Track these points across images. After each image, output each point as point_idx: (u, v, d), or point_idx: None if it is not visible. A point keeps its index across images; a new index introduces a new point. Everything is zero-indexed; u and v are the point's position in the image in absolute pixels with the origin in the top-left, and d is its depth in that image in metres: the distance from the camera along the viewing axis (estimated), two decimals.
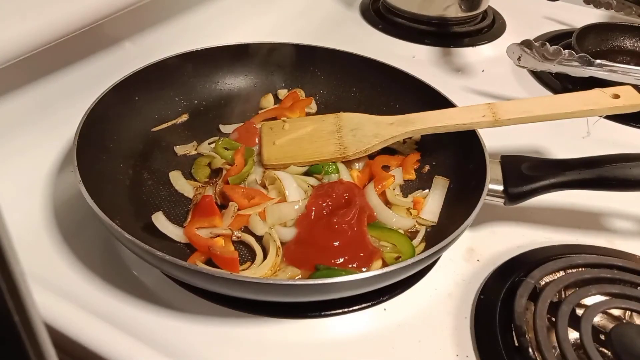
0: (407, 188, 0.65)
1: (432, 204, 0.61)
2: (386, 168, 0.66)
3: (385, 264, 0.54)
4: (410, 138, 0.71)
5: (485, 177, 0.56)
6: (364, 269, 0.52)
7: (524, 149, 0.61)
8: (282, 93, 0.77)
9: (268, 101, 0.76)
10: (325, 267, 0.52)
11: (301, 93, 0.77)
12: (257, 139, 0.68)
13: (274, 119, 0.72)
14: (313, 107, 0.76)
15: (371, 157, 0.66)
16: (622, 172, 0.56)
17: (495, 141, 0.65)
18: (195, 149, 0.68)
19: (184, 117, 0.72)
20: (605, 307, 0.49)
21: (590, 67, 0.78)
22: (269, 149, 0.66)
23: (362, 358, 0.48)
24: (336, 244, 0.53)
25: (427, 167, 0.67)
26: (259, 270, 0.52)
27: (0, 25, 0.54)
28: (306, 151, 0.65)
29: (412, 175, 0.66)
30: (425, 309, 0.52)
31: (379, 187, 0.62)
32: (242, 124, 0.71)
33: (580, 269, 0.54)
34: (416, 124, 0.64)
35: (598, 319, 0.49)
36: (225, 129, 0.72)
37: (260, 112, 0.74)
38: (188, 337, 0.48)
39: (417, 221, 0.59)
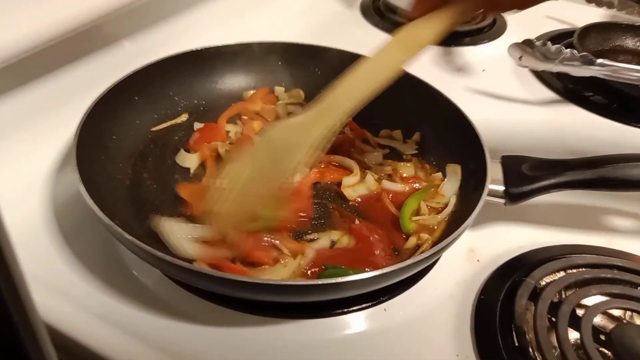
0: None
1: (447, 190, 0.61)
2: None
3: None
4: (410, 138, 0.71)
5: (486, 177, 0.56)
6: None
7: (524, 149, 0.61)
8: (280, 91, 0.77)
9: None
10: (333, 266, 0.52)
11: (300, 93, 0.77)
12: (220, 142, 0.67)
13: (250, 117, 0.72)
14: (300, 97, 0.76)
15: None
16: (622, 172, 0.55)
17: (496, 141, 0.65)
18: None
19: (184, 117, 0.72)
20: (605, 308, 0.49)
21: (591, 67, 0.78)
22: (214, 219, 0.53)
23: (362, 358, 0.48)
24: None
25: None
26: (280, 272, 0.51)
27: (1, 26, 0.54)
28: (244, 205, 0.53)
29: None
30: (425, 309, 0.52)
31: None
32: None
33: (580, 269, 0.54)
34: (337, 104, 0.52)
35: (598, 319, 0.49)
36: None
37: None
38: (188, 337, 0.48)
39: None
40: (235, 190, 0.52)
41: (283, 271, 0.51)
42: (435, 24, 0.54)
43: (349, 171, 0.65)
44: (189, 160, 0.65)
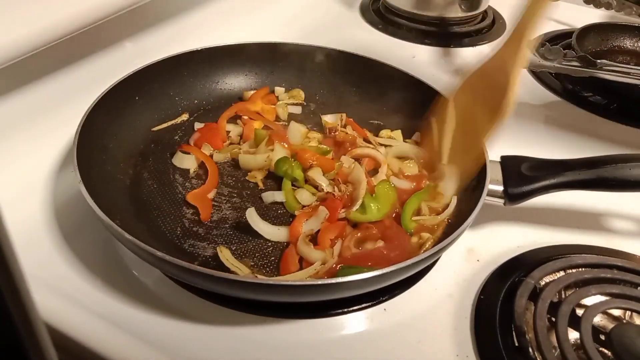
0: None
1: (447, 189, 0.61)
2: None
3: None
4: (410, 138, 0.71)
5: (486, 177, 0.56)
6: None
7: (523, 149, 0.61)
8: (280, 91, 0.77)
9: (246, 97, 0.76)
10: (348, 266, 0.52)
11: (300, 93, 0.77)
12: (221, 142, 0.68)
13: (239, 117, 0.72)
14: (300, 97, 0.77)
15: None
16: (622, 172, 0.56)
17: (496, 141, 0.65)
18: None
19: (184, 117, 0.72)
20: (605, 307, 0.49)
21: (590, 67, 0.78)
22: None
23: (362, 358, 0.48)
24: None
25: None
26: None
27: (1, 26, 0.54)
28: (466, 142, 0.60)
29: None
30: (425, 309, 0.52)
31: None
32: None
33: (580, 269, 0.54)
34: (520, 28, 0.57)
35: (598, 319, 0.49)
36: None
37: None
38: (188, 337, 0.48)
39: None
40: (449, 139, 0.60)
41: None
42: None
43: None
44: (186, 162, 0.65)
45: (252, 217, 0.56)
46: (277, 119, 0.75)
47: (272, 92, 0.78)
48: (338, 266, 0.52)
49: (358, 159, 0.66)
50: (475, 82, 0.61)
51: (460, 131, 0.61)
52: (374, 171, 0.65)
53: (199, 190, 0.62)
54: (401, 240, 0.55)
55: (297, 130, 0.69)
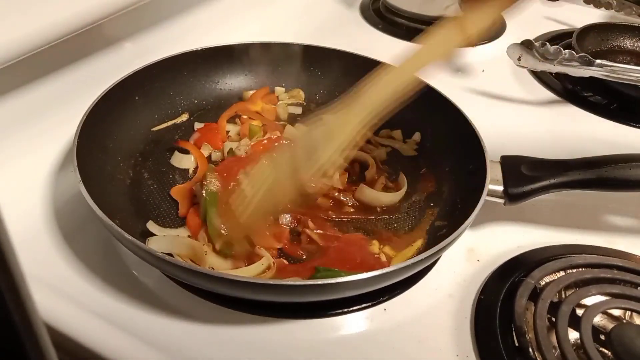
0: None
1: None
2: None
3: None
4: (410, 138, 0.71)
5: (486, 177, 0.56)
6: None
7: (523, 149, 0.61)
8: (280, 91, 0.77)
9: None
10: (325, 268, 0.52)
11: (300, 93, 0.77)
12: (220, 142, 0.68)
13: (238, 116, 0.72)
14: (300, 97, 0.77)
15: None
16: (622, 172, 0.56)
17: (495, 141, 0.65)
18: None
19: (184, 117, 0.72)
20: (605, 307, 0.49)
21: (590, 67, 0.78)
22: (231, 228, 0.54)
23: (362, 358, 0.48)
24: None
25: (424, 169, 0.67)
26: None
27: (1, 26, 0.54)
28: (267, 207, 0.54)
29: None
30: (425, 309, 0.52)
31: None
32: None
33: (580, 269, 0.54)
34: (368, 98, 0.51)
35: (598, 319, 0.49)
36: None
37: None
38: (188, 337, 0.48)
39: None
40: (257, 195, 0.52)
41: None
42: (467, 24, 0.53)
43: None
44: (184, 162, 0.65)
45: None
46: (277, 119, 0.74)
47: (272, 92, 0.78)
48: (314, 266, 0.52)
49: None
50: (297, 145, 0.55)
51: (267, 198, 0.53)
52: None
53: (183, 185, 0.62)
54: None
55: (293, 134, 0.69)
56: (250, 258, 0.53)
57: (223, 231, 0.53)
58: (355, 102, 0.51)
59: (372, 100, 0.50)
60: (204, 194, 0.56)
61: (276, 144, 0.65)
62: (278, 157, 0.55)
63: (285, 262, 0.54)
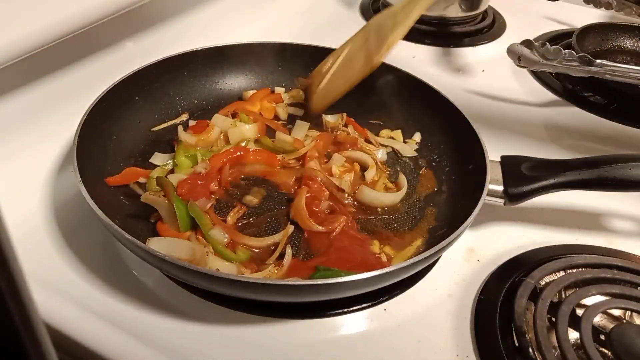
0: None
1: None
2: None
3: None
4: (410, 138, 0.71)
5: (485, 177, 0.56)
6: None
7: (523, 149, 0.61)
8: (280, 91, 0.77)
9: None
10: (325, 267, 0.52)
11: (301, 93, 0.77)
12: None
13: (235, 114, 0.72)
14: (300, 97, 0.76)
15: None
16: (622, 172, 0.56)
17: (495, 141, 0.65)
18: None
19: (184, 117, 0.72)
20: (605, 307, 0.49)
21: (590, 67, 0.78)
22: (314, 97, 0.69)
23: (362, 358, 0.48)
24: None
25: (424, 169, 0.67)
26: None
27: (1, 26, 0.54)
28: (343, 79, 0.68)
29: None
30: (425, 309, 0.52)
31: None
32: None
33: (580, 269, 0.54)
34: None
35: (598, 319, 0.49)
36: None
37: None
38: (188, 337, 0.48)
39: None
40: (334, 66, 0.67)
41: None
42: None
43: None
44: (159, 159, 0.65)
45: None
46: (277, 119, 0.74)
47: (273, 92, 0.77)
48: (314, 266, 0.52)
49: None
50: (372, 26, 0.69)
51: (342, 69, 0.68)
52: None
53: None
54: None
55: (302, 129, 0.69)
56: (254, 262, 0.53)
57: (225, 238, 0.54)
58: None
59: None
60: (182, 208, 0.55)
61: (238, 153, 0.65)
62: (354, 36, 0.69)
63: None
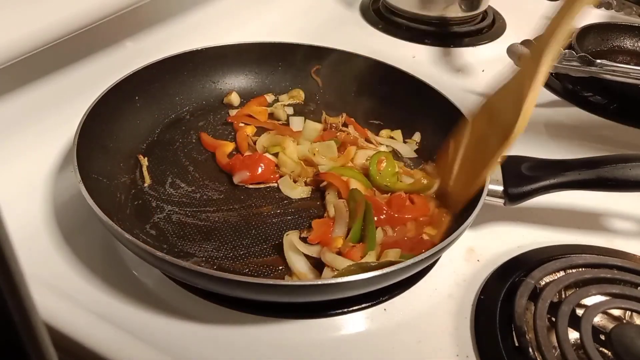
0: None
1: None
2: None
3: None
4: (410, 138, 0.71)
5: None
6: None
7: (524, 149, 0.61)
8: (271, 97, 0.77)
9: (232, 99, 0.75)
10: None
11: (300, 93, 0.77)
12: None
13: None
14: (300, 97, 0.77)
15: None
16: (621, 172, 0.56)
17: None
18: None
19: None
20: (605, 307, 0.49)
21: (590, 67, 0.78)
22: (450, 200, 0.59)
23: (362, 358, 0.48)
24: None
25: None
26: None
27: (1, 26, 0.54)
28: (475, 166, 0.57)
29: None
30: (425, 309, 0.52)
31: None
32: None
33: (580, 269, 0.54)
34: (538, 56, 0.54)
35: (598, 319, 0.49)
36: None
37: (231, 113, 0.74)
38: (188, 337, 0.48)
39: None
40: (459, 160, 0.59)
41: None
42: None
43: None
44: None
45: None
46: (275, 118, 0.74)
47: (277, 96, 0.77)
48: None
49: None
50: (494, 103, 0.59)
51: (471, 154, 0.59)
52: None
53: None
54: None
55: (312, 129, 0.69)
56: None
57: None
58: (532, 51, 0.56)
59: (546, 40, 0.54)
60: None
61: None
62: (479, 114, 0.60)
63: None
